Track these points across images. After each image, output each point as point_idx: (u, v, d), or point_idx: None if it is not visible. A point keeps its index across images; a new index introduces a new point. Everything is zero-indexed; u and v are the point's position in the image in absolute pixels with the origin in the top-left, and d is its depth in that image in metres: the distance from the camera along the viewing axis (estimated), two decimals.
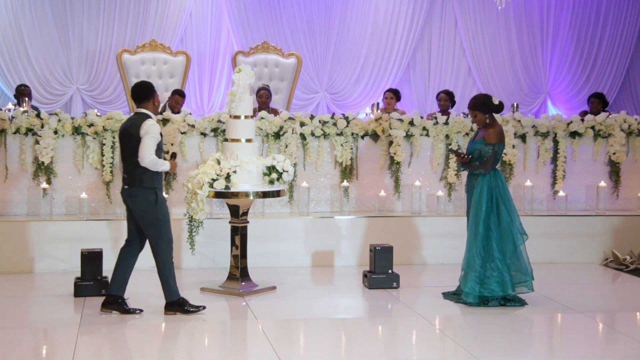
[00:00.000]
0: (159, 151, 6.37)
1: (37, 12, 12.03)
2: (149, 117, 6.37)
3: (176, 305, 6.47)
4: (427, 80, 13.40)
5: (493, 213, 6.82)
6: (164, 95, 11.04)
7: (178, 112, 9.87)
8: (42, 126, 8.21)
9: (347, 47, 13.04)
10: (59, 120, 8.26)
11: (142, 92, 6.44)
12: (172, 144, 8.33)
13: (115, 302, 6.47)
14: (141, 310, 6.51)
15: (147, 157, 6.24)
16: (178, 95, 10.22)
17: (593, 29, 13.65)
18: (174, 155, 6.73)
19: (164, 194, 6.52)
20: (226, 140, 7.29)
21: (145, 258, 7.81)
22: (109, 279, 6.69)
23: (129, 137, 6.35)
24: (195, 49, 12.48)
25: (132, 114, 6.65)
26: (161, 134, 6.39)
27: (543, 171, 9.11)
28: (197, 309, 6.50)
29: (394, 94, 10.47)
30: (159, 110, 9.76)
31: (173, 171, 6.64)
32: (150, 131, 6.25)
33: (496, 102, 6.89)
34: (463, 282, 6.89)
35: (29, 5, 12.00)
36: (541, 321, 6.55)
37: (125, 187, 6.44)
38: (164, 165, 6.36)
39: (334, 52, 13.03)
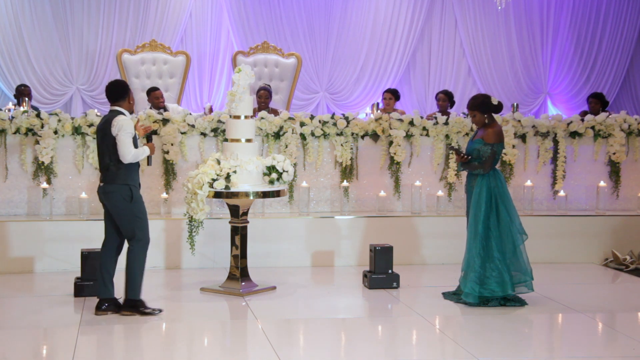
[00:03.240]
0: (135, 142, 6.39)
1: (37, 12, 12.03)
2: (121, 113, 6.38)
3: (134, 305, 6.41)
4: (427, 81, 13.40)
5: (492, 213, 6.82)
6: (164, 96, 11.04)
7: (164, 108, 9.82)
8: (42, 126, 8.21)
9: (347, 47, 13.04)
10: (59, 120, 8.26)
11: (117, 91, 6.46)
12: (172, 144, 8.33)
13: (110, 304, 6.46)
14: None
15: (128, 154, 6.28)
16: (154, 92, 10.09)
17: (593, 29, 13.65)
18: (149, 138, 6.74)
19: (139, 191, 6.50)
20: (226, 140, 7.29)
21: (149, 257, 7.82)
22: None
23: (103, 135, 6.37)
24: (195, 49, 12.48)
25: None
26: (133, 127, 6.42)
27: (543, 171, 9.11)
28: (154, 311, 6.43)
29: (393, 94, 10.47)
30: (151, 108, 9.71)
31: (153, 152, 6.62)
32: (123, 127, 6.28)
33: (495, 102, 6.89)
34: (463, 282, 6.89)
35: (29, 5, 12.00)
36: (541, 321, 6.55)
37: (101, 184, 6.46)
38: (144, 153, 6.43)
39: (334, 52, 13.03)
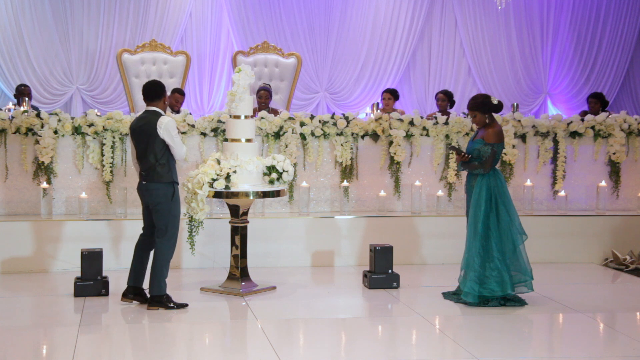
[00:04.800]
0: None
1: (37, 12, 12.04)
2: (162, 114, 6.58)
3: (160, 301, 6.56)
4: (427, 80, 13.40)
5: (492, 213, 6.82)
6: None
7: (178, 111, 9.88)
8: (42, 126, 8.21)
9: (347, 47, 13.04)
10: (59, 120, 8.26)
11: (154, 91, 6.65)
12: None
13: (136, 293, 6.69)
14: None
15: (183, 153, 6.63)
16: (178, 94, 10.22)
17: (593, 29, 13.66)
18: None
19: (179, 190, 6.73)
20: (226, 140, 7.29)
21: (150, 258, 7.82)
22: (108, 278, 6.78)
23: (145, 135, 6.54)
24: (195, 49, 12.48)
25: (141, 112, 6.82)
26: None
27: (543, 171, 9.11)
28: (181, 306, 6.60)
29: (392, 94, 10.46)
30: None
31: None
32: (172, 127, 6.52)
33: (495, 101, 6.89)
34: (462, 282, 6.89)
35: (29, 5, 12.01)
36: (541, 321, 6.55)
37: (143, 182, 6.61)
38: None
39: (334, 52, 13.03)
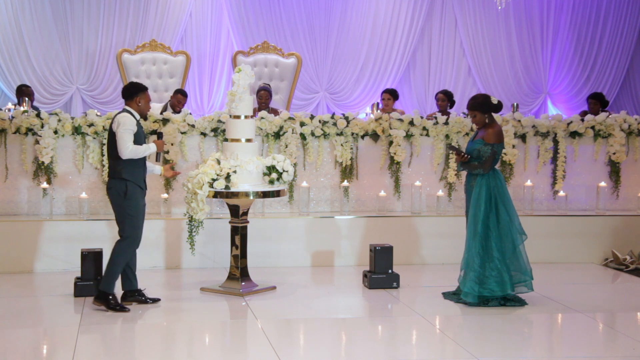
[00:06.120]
0: (141, 141, 6.56)
1: (37, 12, 12.04)
2: (126, 112, 6.56)
3: (106, 299, 6.52)
4: (427, 80, 13.40)
5: (492, 213, 6.82)
6: (164, 95, 11.05)
7: (179, 112, 9.87)
8: (42, 126, 8.21)
9: (347, 47, 13.04)
10: (59, 120, 8.26)
11: (127, 91, 6.69)
12: (172, 144, 8.33)
13: (132, 296, 6.70)
14: (159, 299, 6.78)
15: (126, 149, 6.44)
16: (180, 95, 10.23)
17: (593, 29, 13.66)
18: (160, 135, 6.88)
19: (142, 190, 6.62)
20: (226, 140, 7.28)
21: (149, 257, 7.83)
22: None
23: (109, 133, 6.59)
24: (195, 49, 12.48)
25: None
26: (139, 125, 6.56)
27: (543, 171, 9.11)
28: (123, 309, 6.52)
29: (391, 94, 10.46)
30: (161, 110, 9.79)
31: (161, 150, 6.79)
32: (122, 122, 6.46)
33: (495, 101, 6.89)
34: (462, 282, 6.89)
35: (29, 5, 12.01)
36: (541, 321, 6.55)
37: (107, 179, 6.67)
38: (148, 149, 6.57)
39: (334, 52, 13.03)
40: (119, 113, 6.59)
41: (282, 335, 6.07)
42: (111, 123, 6.59)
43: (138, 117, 6.63)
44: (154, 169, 6.83)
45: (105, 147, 8.27)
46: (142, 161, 6.61)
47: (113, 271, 6.53)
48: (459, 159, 6.95)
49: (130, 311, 6.51)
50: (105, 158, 8.27)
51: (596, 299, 7.24)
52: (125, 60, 11.03)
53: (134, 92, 6.63)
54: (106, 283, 6.53)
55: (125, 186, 6.50)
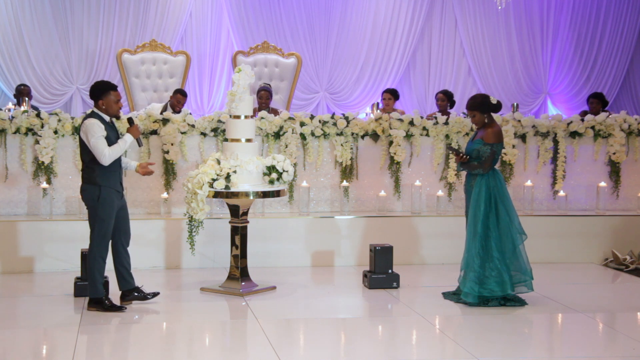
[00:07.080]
0: (114, 139, 6.45)
1: (37, 12, 12.04)
2: (92, 115, 6.44)
3: (99, 302, 6.49)
4: (427, 80, 13.40)
5: (492, 213, 6.82)
6: (164, 95, 11.05)
7: (179, 112, 9.88)
8: (42, 126, 8.21)
9: (347, 47, 13.04)
10: (59, 120, 8.26)
11: (92, 92, 6.55)
12: (172, 144, 8.33)
13: (131, 295, 6.68)
14: (158, 293, 6.78)
15: (103, 156, 6.35)
16: (180, 95, 10.23)
17: (593, 29, 13.66)
18: (130, 121, 6.70)
19: (118, 194, 6.54)
20: (226, 140, 7.28)
21: (149, 257, 7.83)
22: (108, 278, 6.79)
23: (79, 138, 6.49)
24: (195, 49, 12.48)
25: None
26: (109, 125, 6.44)
27: (543, 171, 9.11)
28: (119, 308, 6.52)
29: (392, 94, 10.46)
30: (161, 110, 9.78)
31: (137, 134, 6.63)
32: (90, 131, 6.34)
33: (494, 101, 6.89)
34: (462, 282, 6.89)
35: (29, 5, 12.01)
36: (541, 321, 6.55)
37: (80, 183, 6.59)
38: (125, 143, 6.48)
39: (334, 52, 13.04)
40: (86, 118, 6.44)
41: (282, 335, 6.07)
42: (80, 128, 6.47)
43: (107, 118, 6.49)
44: (129, 165, 6.73)
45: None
46: (117, 164, 6.50)
47: (92, 275, 6.45)
48: (458, 159, 6.95)
49: (126, 309, 6.51)
50: None
51: (596, 299, 7.24)
52: (125, 60, 11.03)
53: (99, 93, 6.47)
54: (92, 288, 6.48)
55: (99, 190, 6.42)
